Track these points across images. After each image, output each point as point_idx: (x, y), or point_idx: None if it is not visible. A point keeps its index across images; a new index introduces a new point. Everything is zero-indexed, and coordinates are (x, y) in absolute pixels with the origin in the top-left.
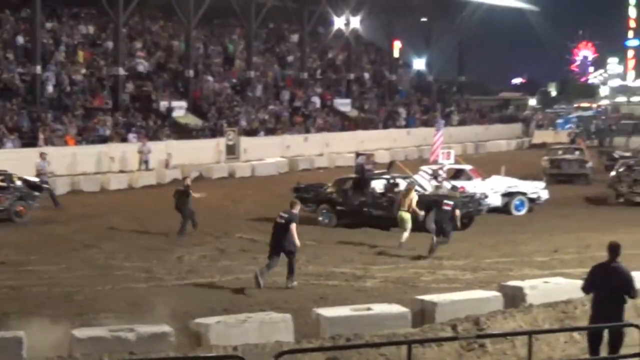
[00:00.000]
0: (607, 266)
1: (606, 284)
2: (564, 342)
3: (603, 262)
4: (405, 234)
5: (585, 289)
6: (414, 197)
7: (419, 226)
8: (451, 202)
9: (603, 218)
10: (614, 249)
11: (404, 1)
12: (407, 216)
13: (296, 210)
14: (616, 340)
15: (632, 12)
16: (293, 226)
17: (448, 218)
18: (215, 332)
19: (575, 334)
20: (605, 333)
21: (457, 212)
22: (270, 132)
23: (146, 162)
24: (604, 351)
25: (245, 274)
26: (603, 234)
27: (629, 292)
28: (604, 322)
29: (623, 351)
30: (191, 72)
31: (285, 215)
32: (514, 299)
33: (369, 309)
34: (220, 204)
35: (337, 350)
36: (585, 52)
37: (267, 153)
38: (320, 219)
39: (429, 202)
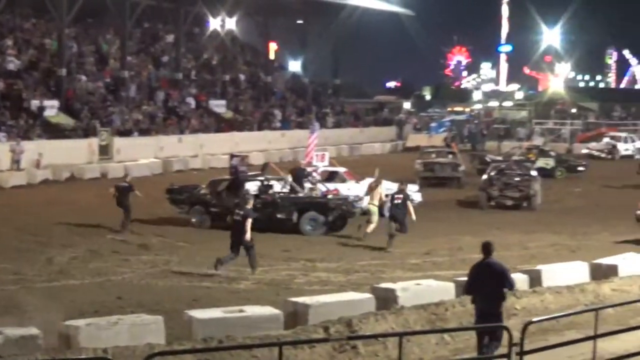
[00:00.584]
0: (482, 264)
1: (484, 281)
2: (434, 343)
3: (478, 261)
4: (372, 226)
5: (466, 290)
6: (382, 191)
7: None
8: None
9: (475, 221)
10: (486, 248)
11: (279, 3)
12: (375, 209)
13: (249, 205)
14: (496, 335)
15: (505, 18)
16: (248, 222)
17: (403, 213)
18: (86, 335)
19: (446, 336)
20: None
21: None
22: (144, 132)
23: (18, 161)
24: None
25: (117, 275)
26: (475, 236)
27: (505, 285)
28: (486, 318)
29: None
30: (64, 71)
31: (241, 212)
32: (386, 300)
33: (241, 311)
34: (91, 205)
35: (209, 352)
36: (459, 57)
37: (141, 154)
38: (193, 220)
39: (303, 204)
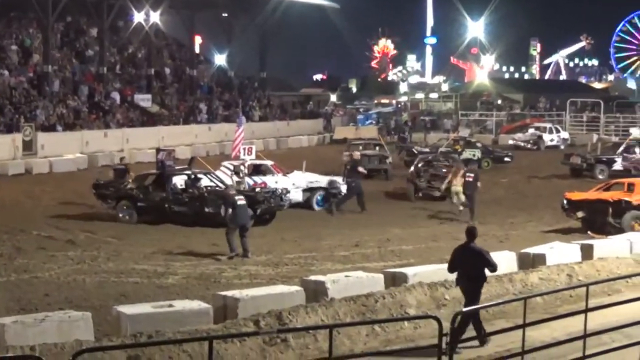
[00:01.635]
0: (465, 248)
1: (466, 263)
2: (365, 335)
3: (462, 244)
4: (462, 202)
5: (449, 269)
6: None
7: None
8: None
9: (403, 213)
10: (471, 232)
11: None
12: (459, 189)
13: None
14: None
15: (430, 10)
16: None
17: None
18: (12, 332)
19: (376, 327)
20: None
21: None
22: (69, 127)
23: None
24: None
25: (44, 272)
26: (403, 228)
27: (487, 267)
28: (466, 297)
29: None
30: None
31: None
32: (316, 293)
33: (170, 305)
34: (16, 201)
35: (138, 347)
36: (385, 49)
37: (66, 149)
38: (120, 215)
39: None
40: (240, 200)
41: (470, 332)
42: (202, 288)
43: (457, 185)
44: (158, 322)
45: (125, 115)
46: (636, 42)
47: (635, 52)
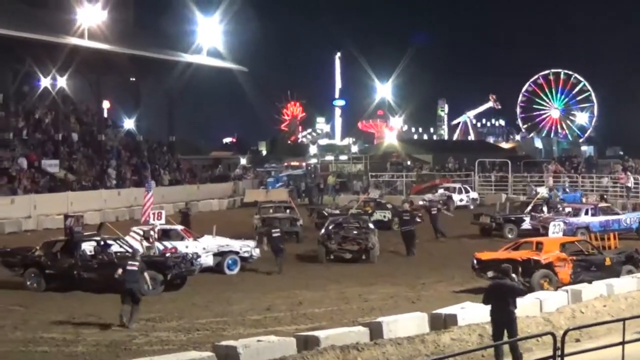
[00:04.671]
0: (499, 283)
1: (499, 294)
2: None
3: (497, 280)
4: None
5: (485, 301)
6: None
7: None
8: (137, 262)
9: (314, 275)
10: (505, 271)
11: (110, 61)
12: None
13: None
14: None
15: (337, 73)
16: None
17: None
18: None
19: None
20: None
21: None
22: None
23: None
24: None
25: None
26: (314, 290)
27: (517, 296)
28: (502, 323)
29: None
30: None
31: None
32: (227, 358)
33: None
34: None
35: None
36: (294, 111)
37: None
38: (28, 283)
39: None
40: (130, 266)
41: None
42: (113, 356)
43: None
44: None
45: (33, 181)
46: (541, 102)
47: (540, 112)
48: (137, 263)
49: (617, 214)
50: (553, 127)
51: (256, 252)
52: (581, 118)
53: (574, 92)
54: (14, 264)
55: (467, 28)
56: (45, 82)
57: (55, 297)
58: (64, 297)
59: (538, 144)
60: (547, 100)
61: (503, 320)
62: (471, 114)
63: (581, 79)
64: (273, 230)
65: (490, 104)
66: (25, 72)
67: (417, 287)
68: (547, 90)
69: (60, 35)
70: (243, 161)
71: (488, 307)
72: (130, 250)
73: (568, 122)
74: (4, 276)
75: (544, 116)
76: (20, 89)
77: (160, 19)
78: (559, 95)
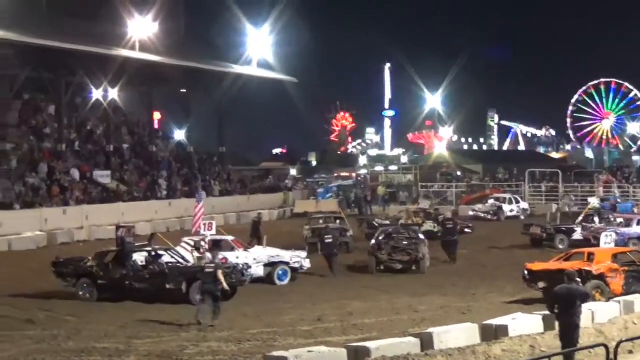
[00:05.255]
0: (567, 287)
1: (567, 299)
2: None
3: (564, 285)
4: None
5: (551, 307)
6: None
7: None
8: (213, 265)
9: (364, 285)
10: (571, 276)
11: (162, 73)
12: None
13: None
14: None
15: (387, 84)
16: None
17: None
18: None
19: None
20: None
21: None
22: (28, 205)
23: None
24: None
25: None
26: (365, 301)
27: (585, 300)
28: (570, 326)
29: None
30: None
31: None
32: None
33: None
34: None
35: None
36: (343, 122)
37: (25, 227)
38: (80, 293)
39: (192, 274)
40: (207, 269)
41: None
42: None
43: None
44: None
45: (85, 192)
46: (592, 111)
47: (591, 122)
48: (213, 265)
49: None
50: (604, 137)
51: (306, 263)
52: (633, 128)
53: (625, 101)
54: (67, 275)
55: (517, 37)
56: (97, 94)
57: (107, 308)
58: (115, 307)
59: (589, 154)
60: (598, 110)
61: (571, 324)
62: (523, 128)
63: (632, 88)
64: (326, 237)
65: (542, 132)
66: (78, 84)
67: (467, 297)
68: (597, 100)
69: (112, 47)
70: (293, 172)
71: (539, 318)
72: (181, 261)
73: (619, 132)
74: (57, 287)
75: (594, 126)
76: (72, 101)
77: (211, 31)
78: (609, 104)
